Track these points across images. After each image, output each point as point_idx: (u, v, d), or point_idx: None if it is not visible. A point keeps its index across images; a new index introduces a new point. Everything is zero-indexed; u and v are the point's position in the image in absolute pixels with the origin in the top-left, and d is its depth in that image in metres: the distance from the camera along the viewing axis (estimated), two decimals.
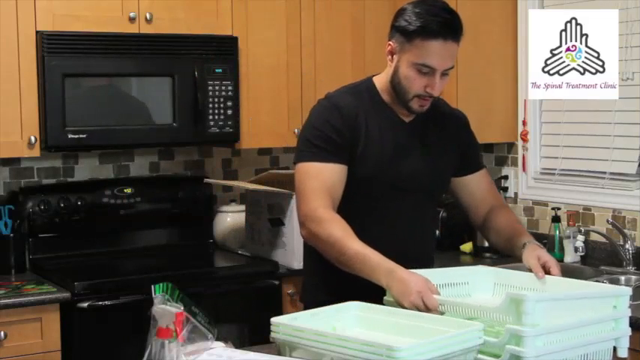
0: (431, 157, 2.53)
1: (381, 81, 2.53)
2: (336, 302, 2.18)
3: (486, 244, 4.00)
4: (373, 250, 2.29)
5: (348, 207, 2.45)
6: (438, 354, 1.87)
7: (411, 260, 2.31)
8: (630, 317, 2.15)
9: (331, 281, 2.45)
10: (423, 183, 2.52)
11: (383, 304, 2.22)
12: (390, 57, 2.45)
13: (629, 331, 2.15)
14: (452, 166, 2.62)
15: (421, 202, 2.55)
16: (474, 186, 2.66)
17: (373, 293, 2.25)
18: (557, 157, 4.03)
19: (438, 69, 2.38)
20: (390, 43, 2.44)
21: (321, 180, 2.40)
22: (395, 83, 2.44)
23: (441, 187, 2.65)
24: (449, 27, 2.37)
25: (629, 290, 2.17)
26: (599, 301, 2.13)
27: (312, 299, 2.44)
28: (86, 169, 3.92)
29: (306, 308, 2.46)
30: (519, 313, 1.96)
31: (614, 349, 2.14)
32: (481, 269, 2.48)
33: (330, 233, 2.33)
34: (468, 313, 2.10)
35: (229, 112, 3.74)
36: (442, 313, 2.14)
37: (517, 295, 1.98)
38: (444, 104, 2.64)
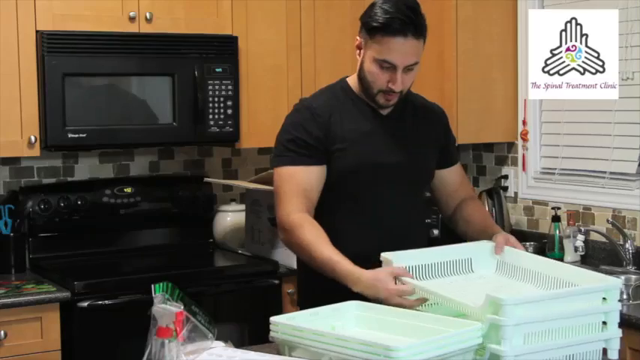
0: (410, 148, 2.55)
1: (354, 78, 2.56)
2: (333, 303, 2.18)
3: None
4: (342, 257, 2.31)
5: (332, 208, 2.47)
6: (436, 354, 1.87)
7: None
8: (630, 317, 2.10)
9: (327, 283, 2.43)
10: (404, 174, 2.53)
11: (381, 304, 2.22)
12: (357, 51, 2.49)
13: (619, 332, 2.06)
14: (433, 158, 2.63)
15: (405, 195, 2.55)
16: (448, 179, 2.69)
17: None
18: (557, 157, 4.03)
19: (399, 65, 2.40)
20: (358, 37, 2.47)
21: (295, 183, 2.44)
22: (361, 77, 2.49)
23: (423, 178, 2.64)
24: (409, 24, 2.37)
25: (619, 282, 2.10)
26: (587, 296, 2.05)
27: (309, 302, 2.42)
28: (86, 168, 3.92)
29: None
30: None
31: (605, 351, 2.05)
32: (484, 245, 2.47)
33: (302, 239, 2.37)
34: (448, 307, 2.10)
35: (229, 111, 3.74)
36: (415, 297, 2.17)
37: (495, 297, 1.94)
38: (421, 98, 2.66)
